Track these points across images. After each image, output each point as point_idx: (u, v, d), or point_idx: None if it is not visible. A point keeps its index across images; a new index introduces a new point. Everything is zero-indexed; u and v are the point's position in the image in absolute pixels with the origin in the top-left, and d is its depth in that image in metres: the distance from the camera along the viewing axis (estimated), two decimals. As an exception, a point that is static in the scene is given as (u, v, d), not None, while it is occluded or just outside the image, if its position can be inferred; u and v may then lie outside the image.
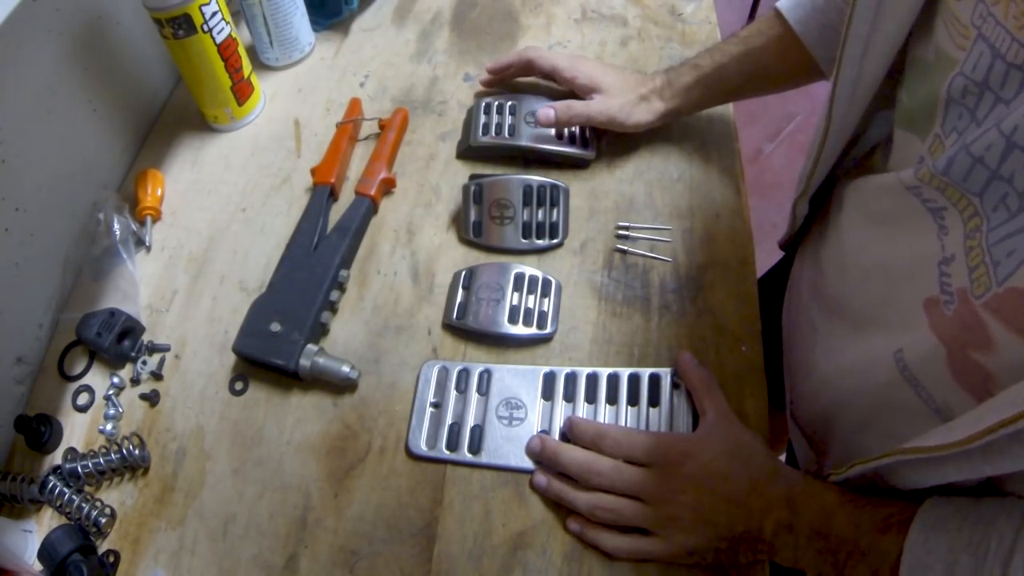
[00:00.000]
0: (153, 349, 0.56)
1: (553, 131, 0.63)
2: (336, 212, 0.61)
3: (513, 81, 0.70)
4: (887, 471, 0.38)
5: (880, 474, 0.39)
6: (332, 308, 0.56)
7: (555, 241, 0.58)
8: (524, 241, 0.58)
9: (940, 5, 0.37)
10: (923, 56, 0.39)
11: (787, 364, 0.57)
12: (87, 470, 0.49)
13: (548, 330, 0.54)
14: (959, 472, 0.32)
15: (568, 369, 0.52)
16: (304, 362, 0.51)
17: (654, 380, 0.51)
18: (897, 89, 0.43)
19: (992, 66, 0.32)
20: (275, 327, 0.53)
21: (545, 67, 0.64)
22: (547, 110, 0.60)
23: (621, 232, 0.59)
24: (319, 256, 0.57)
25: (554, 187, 0.58)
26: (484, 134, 0.64)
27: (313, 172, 0.63)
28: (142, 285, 0.60)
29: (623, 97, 0.60)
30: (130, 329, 0.55)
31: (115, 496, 0.50)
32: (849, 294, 0.47)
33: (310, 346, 0.52)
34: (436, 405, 0.51)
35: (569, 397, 0.51)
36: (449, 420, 0.50)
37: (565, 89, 0.64)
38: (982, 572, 0.32)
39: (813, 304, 0.53)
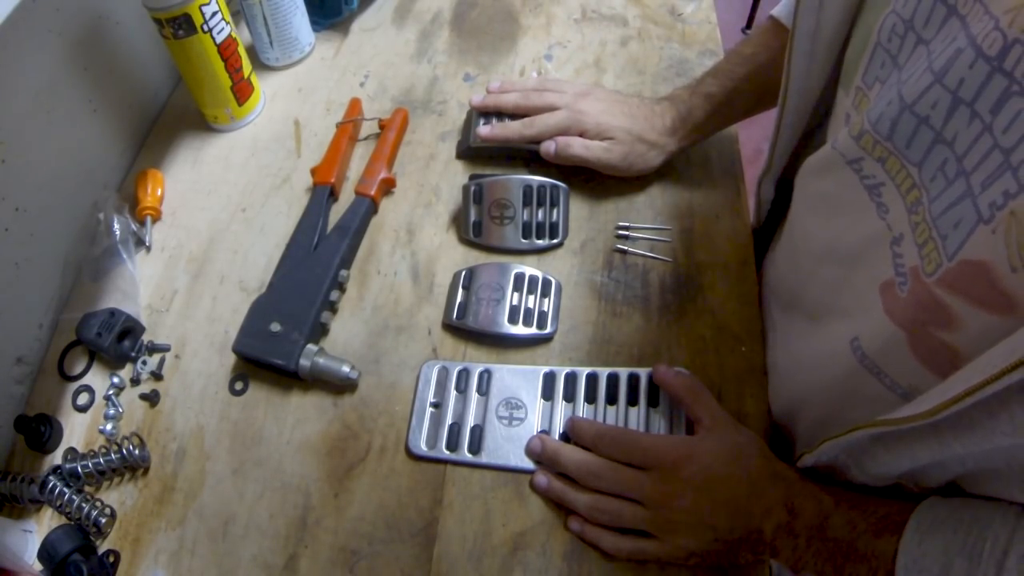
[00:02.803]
0: (153, 349, 0.56)
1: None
2: (336, 212, 0.61)
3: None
4: (860, 453, 0.37)
5: (851, 462, 0.39)
6: (332, 308, 0.56)
7: (555, 241, 0.58)
8: (524, 241, 0.58)
9: None
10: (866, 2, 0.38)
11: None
12: (87, 470, 0.49)
13: (548, 330, 0.54)
14: (929, 450, 0.32)
15: (568, 369, 0.52)
16: (304, 362, 0.51)
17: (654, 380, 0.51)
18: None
19: (920, 1, 0.31)
20: (275, 327, 0.53)
21: (551, 133, 0.59)
22: (549, 144, 0.59)
23: (621, 232, 0.59)
24: (319, 256, 0.57)
25: (554, 187, 0.58)
26: (484, 134, 0.64)
27: (313, 172, 0.63)
28: (142, 285, 0.60)
29: (627, 145, 0.57)
30: (130, 329, 0.55)
31: (115, 496, 0.50)
32: (803, 285, 0.46)
33: (310, 346, 0.52)
34: (436, 405, 0.51)
35: (569, 397, 0.51)
36: (449, 420, 0.50)
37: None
38: (976, 574, 0.32)
39: (771, 301, 0.53)
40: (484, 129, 0.62)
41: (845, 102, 0.40)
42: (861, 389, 0.38)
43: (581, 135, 0.58)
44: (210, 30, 0.61)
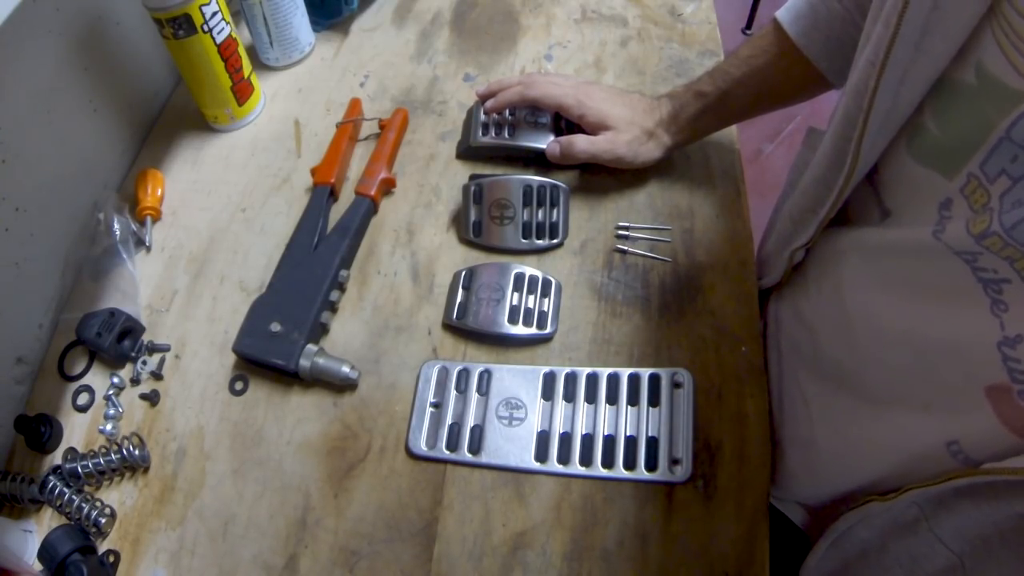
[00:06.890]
0: (153, 349, 0.56)
1: (552, 132, 0.63)
2: (336, 212, 0.61)
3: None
4: (936, 506, 0.35)
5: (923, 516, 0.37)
6: (332, 308, 0.56)
7: (555, 241, 0.58)
8: (524, 241, 0.58)
9: (993, 17, 0.31)
10: (959, 77, 0.34)
11: (775, 434, 0.51)
12: (87, 470, 0.49)
13: (548, 330, 0.54)
14: None
15: (568, 369, 0.52)
16: (304, 362, 0.51)
17: (654, 380, 0.51)
18: (917, 116, 0.38)
19: None
20: (275, 327, 0.53)
21: (550, 106, 0.60)
22: (553, 145, 0.59)
23: (621, 232, 0.59)
24: (319, 256, 0.57)
25: (554, 187, 0.58)
26: (484, 134, 0.64)
27: (313, 172, 0.63)
28: (142, 285, 0.60)
29: (630, 133, 0.57)
30: (130, 329, 0.55)
31: (115, 496, 0.50)
32: (862, 365, 0.43)
33: (310, 346, 0.52)
34: (436, 405, 0.51)
35: (569, 397, 0.51)
36: (449, 420, 0.50)
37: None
38: None
39: (799, 367, 0.50)
40: (488, 103, 0.62)
41: (945, 187, 0.36)
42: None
43: (580, 119, 0.58)
44: (210, 30, 0.61)
